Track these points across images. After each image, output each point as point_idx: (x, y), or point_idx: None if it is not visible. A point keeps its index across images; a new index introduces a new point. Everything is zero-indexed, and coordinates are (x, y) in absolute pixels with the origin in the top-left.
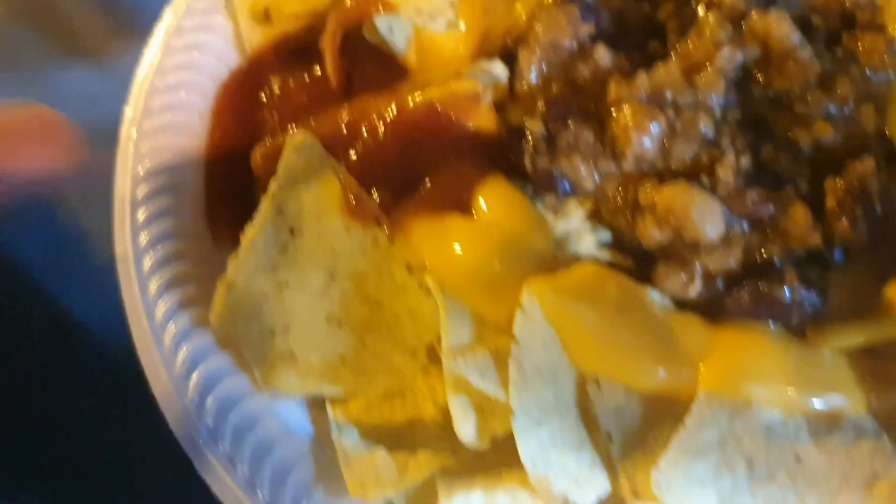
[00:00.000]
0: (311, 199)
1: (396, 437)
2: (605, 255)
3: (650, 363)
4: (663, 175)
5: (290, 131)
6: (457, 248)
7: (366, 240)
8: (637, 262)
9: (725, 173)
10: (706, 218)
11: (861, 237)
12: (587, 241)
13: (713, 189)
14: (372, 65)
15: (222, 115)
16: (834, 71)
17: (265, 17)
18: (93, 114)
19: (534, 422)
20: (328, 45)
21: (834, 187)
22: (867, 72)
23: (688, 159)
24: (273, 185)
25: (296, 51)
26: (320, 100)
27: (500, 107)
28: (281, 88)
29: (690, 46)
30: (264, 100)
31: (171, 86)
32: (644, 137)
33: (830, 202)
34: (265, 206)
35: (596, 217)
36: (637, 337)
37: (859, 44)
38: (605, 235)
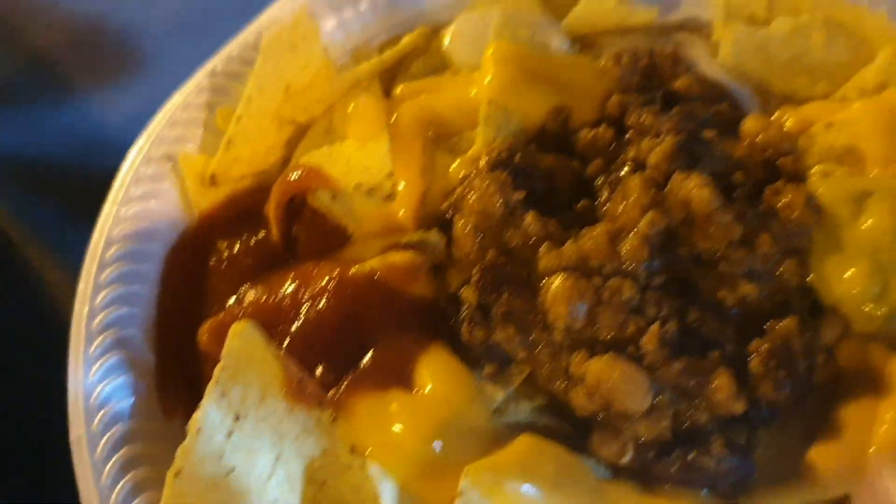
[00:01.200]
0: (254, 383)
1: None
2: (544, 420)
3: None
4: (593, 344)
5: (238, 298)
6: (397, 429)
7: (309, 421)
8: (574, 426)
9: (651, 344)
10: (633, 390)
11: (786, 398)
12: (525, 407)
13: (640, 360)
14: (316, 230)
15: (170, 282)
16: (756, 228)
17: (212, 181)
18: None
19: None
20: (272, 213)
21: (758, 349)
22: (788, 227)
23: (615, 329)
24: (217, 371)
25: (242, 213)
26: (266, 264)
27: (440, 272)
28: (228, 253)
29: (617, 210)
30: (212, 264)
31: (120, 257)
32: (572, 310)
33: (755, 365)
34: (209, 392)
35: (534, 383)
36: None
37: (780, 198)
38: (543, 401)
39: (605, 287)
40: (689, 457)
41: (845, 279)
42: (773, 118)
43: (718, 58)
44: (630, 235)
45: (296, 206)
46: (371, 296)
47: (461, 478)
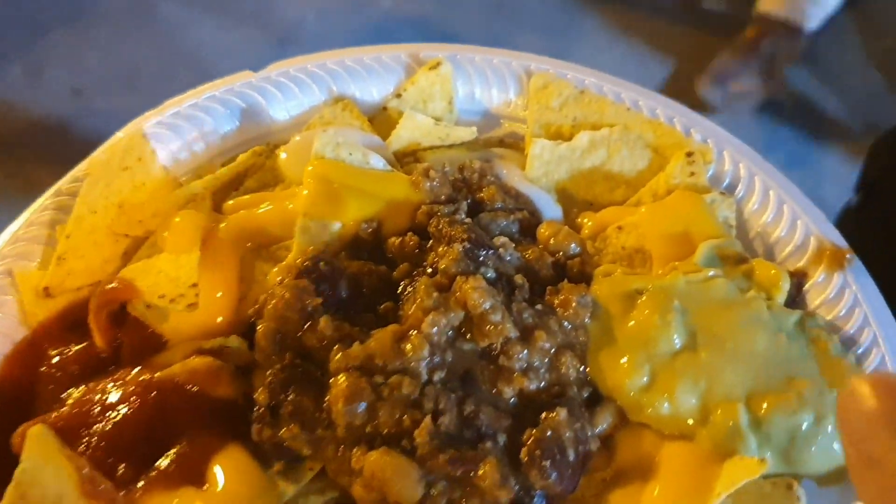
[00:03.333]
0: (52, 483)
1: None
2: None
3: None
4: (373, 439)
5: (65, 400)
6: None
7: None
8: None
9: (421, 437)
10: (403, 481)
11: (554, 486)
12: (316, 501)
13: (413, 452)
14: (137, 337)
15: (2, 390)
16: (533, 325)
17: (46, 293)
18: None
19: None
20: (92, 323)
21: (528, 440)
22: (565, 324)
23: (393, 424)
24: (17, 474)
25: (76, 323)
26: (92, 370)
27: (246, 374)
28: (58, 360)
29: (408, 312)
30: (43, 370)
31: None
32: (350, 407)
33: (522, 454)
34: (9, 494)
35: (326, 479)
36: None
37: (557, 297)
38: (335, 495)
39: (387, 384)
40: None
41: (616, 371)
42: (563, 224)
43: (525, 169)
44: (412, 335)
45: (120, 314)
46: (172, 399)
47: None
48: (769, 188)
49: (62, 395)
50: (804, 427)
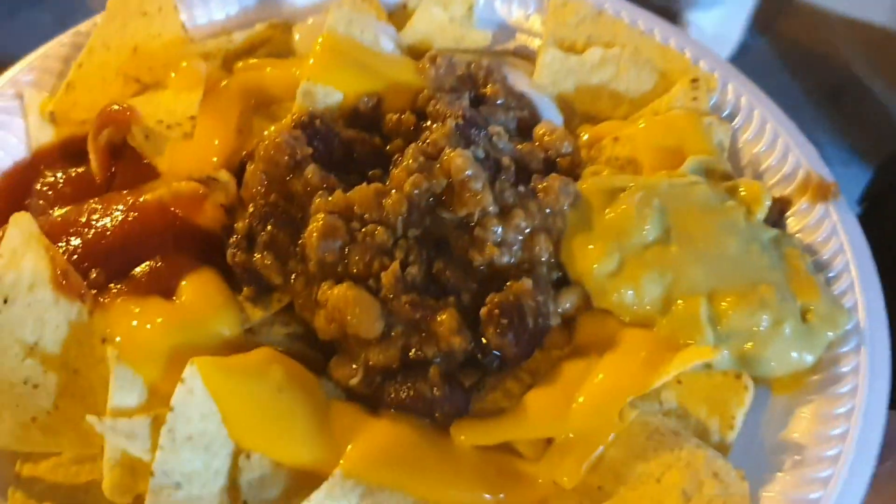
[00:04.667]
0: (27, 271)
1: (71, 497)
2: (296, 346)
3: (298, 442)
4: (342, 277)
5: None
6: (144, 325)
7: (71, 312)
8: (324, 354)
9: (387, 278)
10: (363, 315)
11: (509, 346)
12: (279, 332)
13: (377, 292)
14: (132, 168)
15: None
16: (513, 204)
17: (51, 118)
18: None
19: (172, 483)
20: (90, 144)
21: (492, 300)
22: (546, 209)
23: (363, 265)
24: None
25: (76, 152)
26: (84, 194)
27: (230, 211)
28: (52, 181)
29: (394, 174)
30: (37, 188)
31: None
32: (324, 243)
33: (483, 311)
34: None
35: (291, 312)
36: (291, 417)
37: (541, 184)
38: (298, 328)
39: (362, 231)
40: (408, 384)
41: (587, 257)
42: (561, 129)
43: (533, 76)
44: (393, 192)
45: (119, 146)
46: (155, 219)
47: (186, 366)
48: (766, 121)
49: (51, 212)
50: (762, 327)
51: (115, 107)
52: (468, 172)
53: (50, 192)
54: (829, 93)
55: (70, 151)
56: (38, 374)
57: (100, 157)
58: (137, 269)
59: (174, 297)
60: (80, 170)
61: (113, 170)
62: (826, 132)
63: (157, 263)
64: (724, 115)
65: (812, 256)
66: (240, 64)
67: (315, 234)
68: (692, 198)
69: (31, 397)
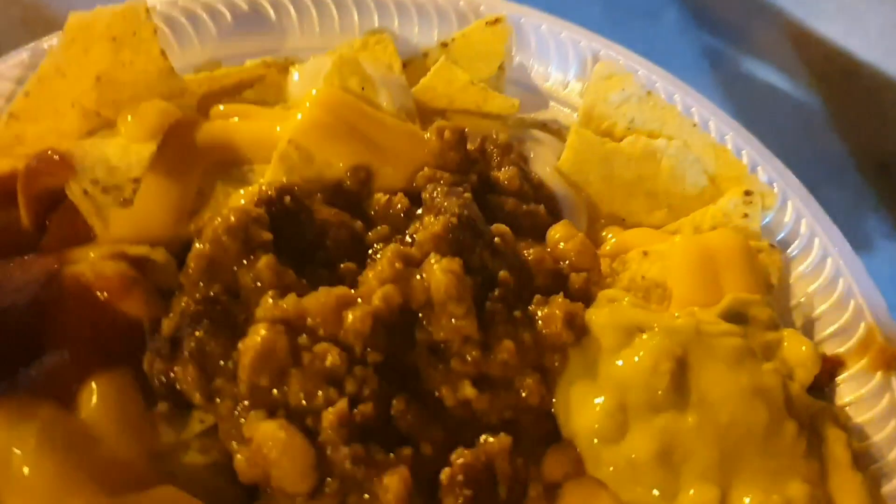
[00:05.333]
0: None
1: None
2: (219, 481)
3: None
4: (276, 408)
5: None
6: (26, 442)
7: None
8: (249, 497)
9: (329, 419)
10: (291, 465)
11: None
12: (197, 461)
13: (316, 434)
14: (66, 224)
15: None
16: (504, 333)
17: None
18: None
19: None
20: (20, 191)
21: (456, 460)
22: (541, 340)
23: (303, 396)
24: None
25: (11, 194)
26: (9, 245)
27: (168, 295)
28: None
29: (367, 277)
30: None
31: None
32: (260, 364)
33: (444, 475)
34: None
35: (215, 438)
36: None
37: (543, 310)
38: (221, 458)
39: (311, 350)
40: None
41: (585, 411)
42: (580, 232)
43: (559, 160)
44: (359, 303)
45: (57, 196)
46: (71, 299)
47: None
48: (828, 255)
49: None
50: None
51: (49, 153)
52: (451, 293)
53: None
54: (879, 163)
55: (5, 191)
56: None
57: (30, 206)
58: (37, 364)
59: (73, 405)
60: (9, 216)
61: (47, 221)
62: (872, 204)
63: (62, 357)
64: (779, 238)
65: (864, 440)
66: (220, 108)
67: (251, 353)
68: (722, 353)
69: None
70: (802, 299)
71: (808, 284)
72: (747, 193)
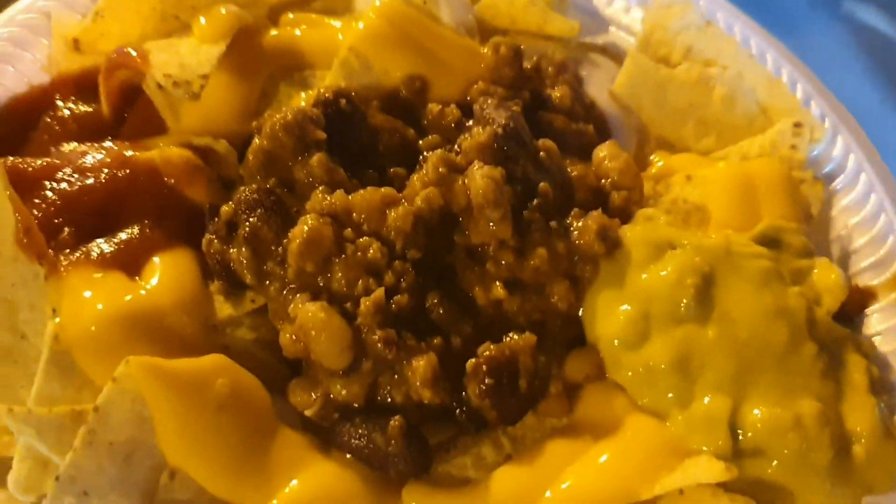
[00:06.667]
0: None
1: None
2: (263, 354)
3: (228, 471)
4: (319, 292)
5: (52, 153)
6: (94, 304)
7: (27, 273)
8: (293, 369)
9: (366, 305)
10: (329, 342)
11: (491, 409)
12: (246, 335)
13: (353, 317)
14: (141, 115)
15: (0, 124)
16: (538, 241)
17: (75, 46)
18: None
19: (77, 491)
20: (101, 84)
21: (483, 353)
22: (576, 253)
23: (345, 283)
24: None
25: (93, 86)
26: (90, 133)
27: (229, 185)
28: (61, 115)
29: (412, 180)
30: (46, 119)
31: None
32: (307, 251)
33: (469, 364)
34: None
35: (264, 316)
36: (225, 442)
37: (578, 222)
38: (267, 335)
39: (355, 243)
40: (365, 430)
41: (610, 319)
42: (627, 153)
43: (614, 83)
44: (402, 204)
45: (134, 90)
46: (142, 182)
47: (121, 364)
48: (872, 190)
49: (51, 148)
50: (792, 451)
51: (130, 50)
52: (489, 197)
53: (57, 127)
54: None
55: (88, 84)
56: None
57: (111, 98)
58: (108, 239)
59: (139, 276)
60: (92, 107)
61: (126, 114)
62: None
63: (131, 233)
64: (824, 171)
65: (886, 370)
66: (289, 16)
67: (298, 240)
68: (749, 273)
69: None
70: (842, 232)
71: (848, 218)
72: (797, 125)
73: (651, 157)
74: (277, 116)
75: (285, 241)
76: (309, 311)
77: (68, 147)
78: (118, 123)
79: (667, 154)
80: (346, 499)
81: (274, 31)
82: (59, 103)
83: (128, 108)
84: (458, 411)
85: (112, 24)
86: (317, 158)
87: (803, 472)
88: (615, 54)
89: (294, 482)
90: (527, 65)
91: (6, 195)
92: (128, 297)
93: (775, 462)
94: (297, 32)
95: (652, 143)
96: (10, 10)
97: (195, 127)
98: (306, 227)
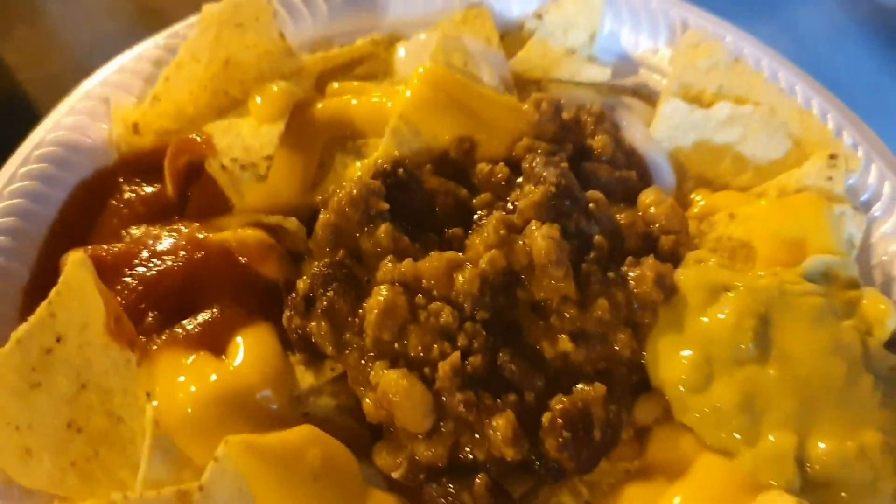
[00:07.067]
0: (80, 311)
1: None
2: (344, 420)
3: None
4: (398, 359)
5: (123, 237)
6: (189, 387)
7: (119, 360)
8: (372, 434)
9: (444, 370)
10: (412, 407)
11: (569, 461)
12: (327, 403)
13: (432, 381)
14: (205, 195)
15: (69, 210)
16: (599, 292)
17: (135, 129)
18: None
19: None
20: (167, 168)
21: (555, 406)
22: (632, 299)
23: (421, 349)
24: (52, 293)
25: (155, 167)
26: (156, 215)
27: (297, 257)
28: (129, 197)
29: (473, 243)
30: (112, 204)
31: (32, 175)
32: (384, 320)
33: (545, 418)
34: (41, 310)
35: (343, 383)
36: None
37: (635, 271)
38: (347, 401)
39: (426, 309)
40: (452, 489)
41: (673, 363)
42: (670, 196)
43: (650, 127)
44: (468, 267)
45: (196, 168)
46: (217, 263)
47: (221, 444)
48: None
49: (121, 232)
50: (859, 481)
51: (192, 136)
52: (552, 257)
53: (125, 210)
54: None
55: (150, 164)
56: (82, 419)
57: (175, 180)
58: (193, 319)
59: (224, 355)
60: (155, 187)
61: (189, 193)
62: None
63: (213, 314)
64: (862, 200)
65: None
66: (335, 85)
67: (375, 311)
68: (803, 311)
69: (73, 441)
70: (884, 258)
71: (889, 244)
72: (832, 157)
73: (692, 196)
74: (342, 192)
75: (361, 311)
76: (391, 379)
77: (138, 230)
78: (183, 202)
79: (708, 192)
80: None
81: (324, 103)
82: (125, 186)
83: (189, 186)
84: (537, 464)
85: (168, 106)
86: (383, 229)
87: (871, 500)
88: (647, 95)
89: None
90: (566, 115)
91: (94, 285)
92: (217, 377)
93: (843, 493)
94: (349, 102)
95: (690, 182)
96: (70, 99)
97: (259, 204)
98: (381, 298)
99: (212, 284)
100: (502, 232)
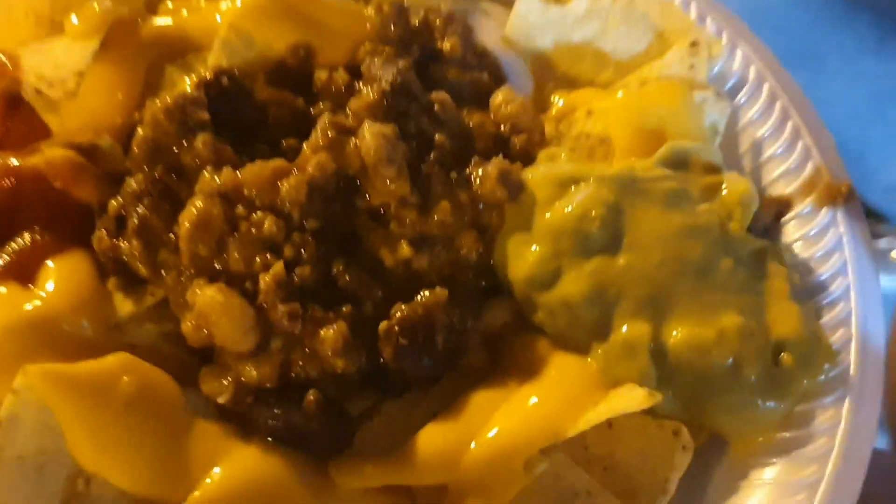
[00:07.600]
0: None
1: None
2: (169, 347)
3: (144, 469)
4: (218, 275)
5: None
6: None
7: None
8: (201, 360)
9: (266, 282)
10: (231, 325)
11: (409, 370)
12: (149, 329)
13: (254, 297)
14: (29, 121)
15: None
16: (441, 194)
17: None
18: None
19: None
20: None
21: (395, 314)
22: (480, 202)
23: (242, 263)
24: None
25: None
26: None
27: (118, 180)
28: None
29: (303, 149)
30: None
31: None
32: (198, 234)
33: (381, 328)
34: None
35: (166, 308)
36: (138, 440)
37: (479, 170)
38: (172, 327)
39: (248, 219)
40: (280, 409)
41: (520, 262)
42: (525, 97)
43: (506, 28)
44: (294, 173)
45: (16, 100)
46: (28, 189)
47: (19, 374)
48: (777, 99)
49: None
50: (719, 368)
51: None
52: (381, 155)
53: None
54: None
55: None
56: None
57: None
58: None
59: (32, 284)
60: None
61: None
62: None
63: (22, 242)
64: (728, 87)
65: (808, 275)
66: (167, 4)
67: (187, 224)
68: (656, 196)
69: None
70: (751, 144)
71: (756, 130)
72: (693, 44)
73: (552, 97)
74: (157, 103)
75: (176, 227)
76: (206, 295)
77: None
78: (2, 136)
79: (566, 92)
80: (272, 483)
81: (151, 20)
82: None
83: (10, 118)
84: (378, 377)
85: None
86: (201, 139)
87: (733, 389)
88: (506, 1)
89: (216, 471)
90: (414, 20)
91: None
92: (19, 306)
93: (704, 383)
94: (179, 15)
95: (552, 82)
96: None
97: (79, 127)
98: (195, 209)
99: (25, 212)
100: (331, 134)
